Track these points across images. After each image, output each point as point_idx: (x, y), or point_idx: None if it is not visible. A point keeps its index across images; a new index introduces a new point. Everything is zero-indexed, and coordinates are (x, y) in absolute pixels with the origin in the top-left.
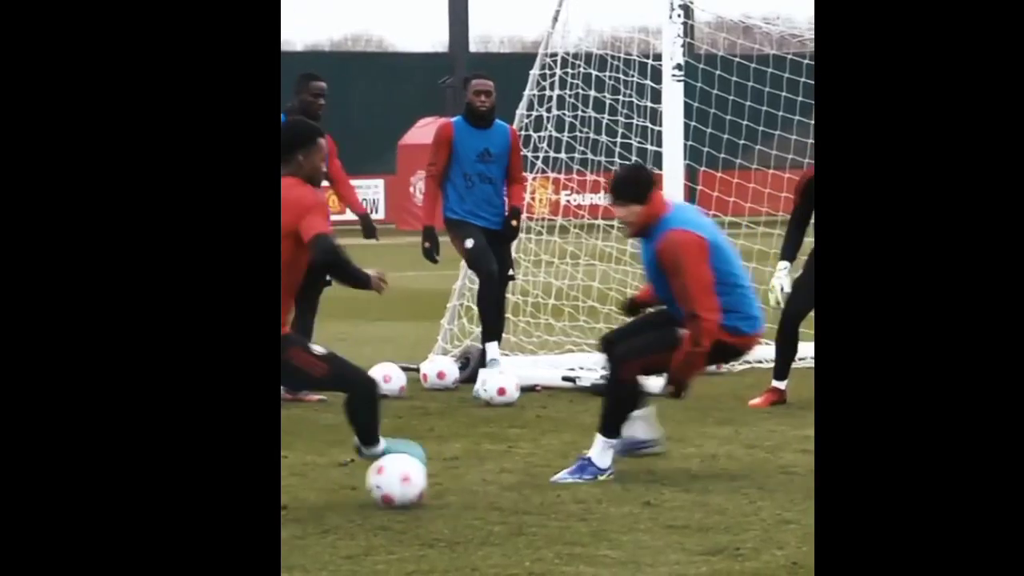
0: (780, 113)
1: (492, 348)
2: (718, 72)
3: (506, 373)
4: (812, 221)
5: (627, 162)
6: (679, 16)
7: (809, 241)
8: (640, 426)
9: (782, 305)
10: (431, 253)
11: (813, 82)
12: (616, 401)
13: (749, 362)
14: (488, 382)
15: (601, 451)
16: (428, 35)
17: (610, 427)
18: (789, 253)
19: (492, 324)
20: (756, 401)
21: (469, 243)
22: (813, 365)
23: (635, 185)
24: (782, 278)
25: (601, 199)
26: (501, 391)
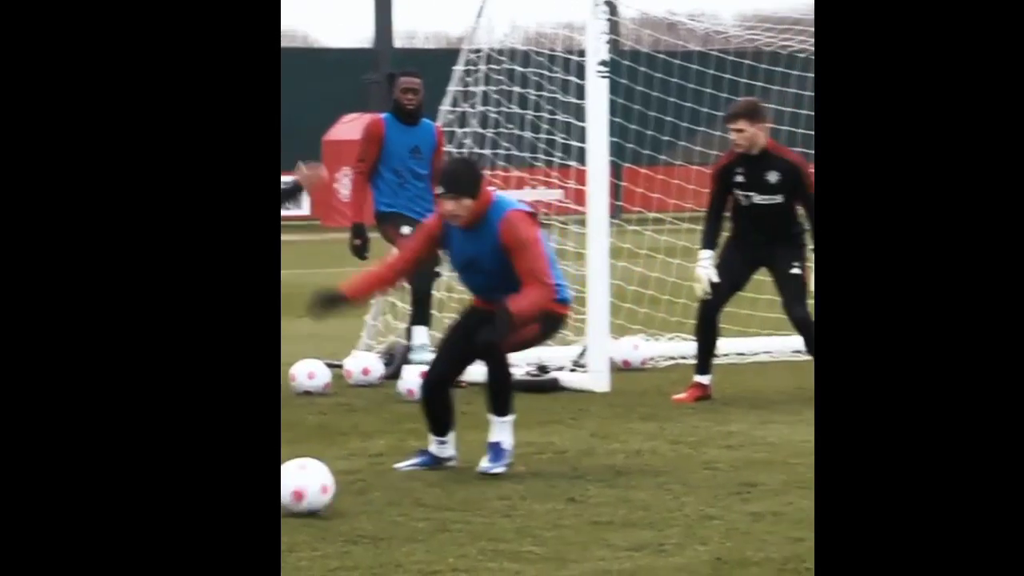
0: (704, 109)
1: (420, 332)
2: (642, 68)
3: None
4: (728, 210)
5: (559, 156)
6: (604, 12)
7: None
8: (447, 449)
9: (710, 295)
10: (361, 250)
11: (738, 79)
12: (502, 380)
13: (673, 358)
14: (411, 373)
15: (500, 430)
16: (353, 31)
17: (504, 407)
18: (710, 242)
19: (423, 311)
20: (680, 396)
21: (406, 229)
22: (736, 361)
23: (469, 179)
24: (707, 268)
25: (527, 195)
26: (424, 375)
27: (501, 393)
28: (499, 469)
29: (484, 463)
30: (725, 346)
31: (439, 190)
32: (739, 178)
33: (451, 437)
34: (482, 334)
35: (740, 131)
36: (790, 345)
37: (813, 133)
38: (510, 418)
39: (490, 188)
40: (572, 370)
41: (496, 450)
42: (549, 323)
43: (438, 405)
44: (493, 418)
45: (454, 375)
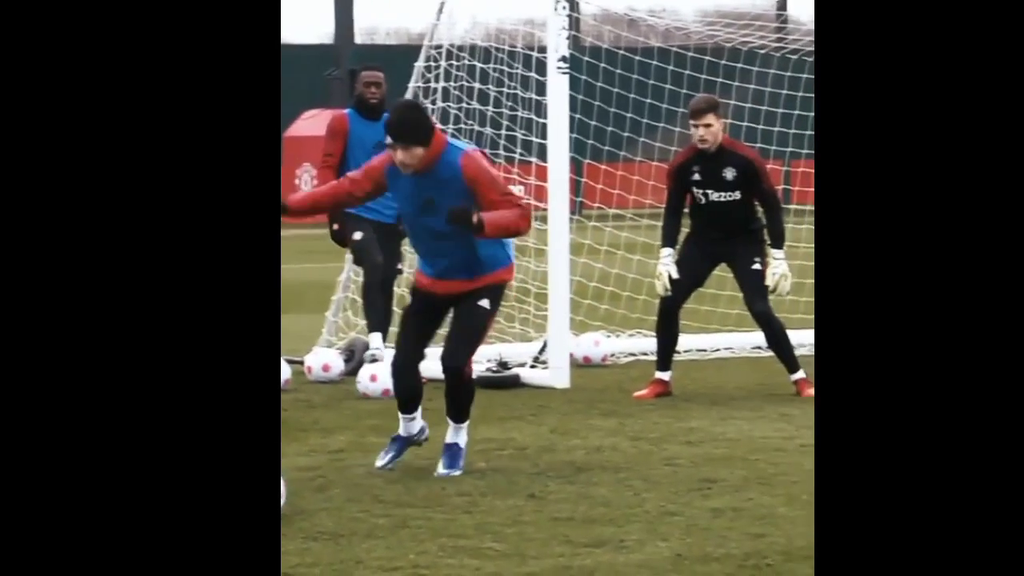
0: (664, 106)
1: (375, 339)
2: (603, 65)
3: (382, 363)
4: (687, 207)
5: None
6: (564, 8)
7: (686, 229)
8: (416, 423)
9: (670, 292)
10: (341, 234)
11: (698, 75)
12: (464, 397)
13: (634, 354)
14: (362, 372)
15: (456, 433)
16: (313, 27)
17: (463, 416)
18: (670, 240)
19: (375, 315)
20: (641, 393)
21: (357, 235)
22: (696, 357)
23: (419, 127)
24: (668, 264)
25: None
26: (373, 378)
27: (462, 405)
28: (457, 472)
29: (441, 468)
30: (686, 342)
31: (388, 140)
32: (696, 176)
33: (419, 412)
34: (446, 356)
35: (708, 126)
36: (750, 341)
37: (773, 129)
38: (467, 423)
39: (441, 131)
40: (532, 366)
41: (452, 452)
42: (496, 295)
43: (408, 386)
44: (451, 423)
45: (420, 355)
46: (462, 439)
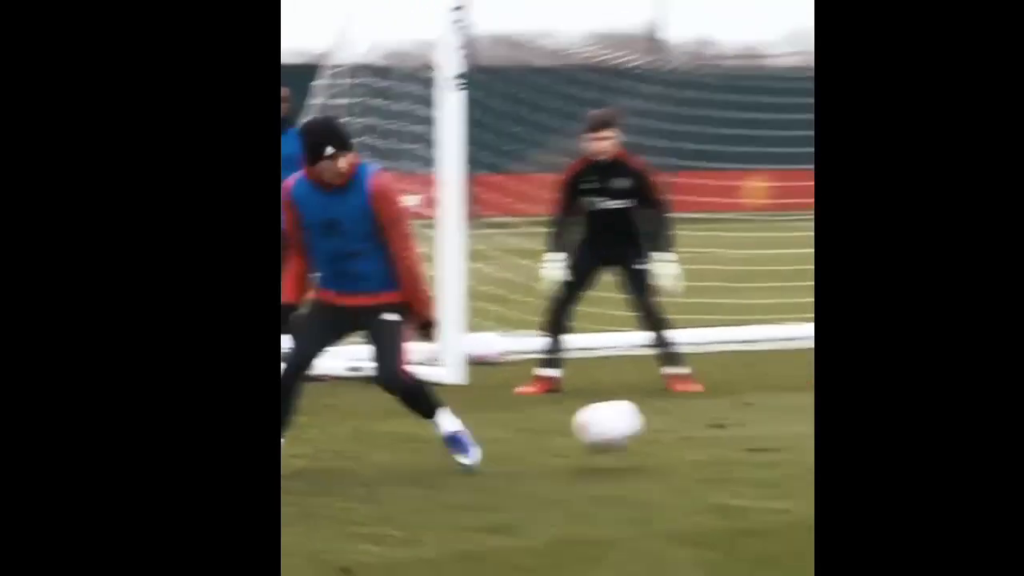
0: (551, 121)
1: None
2: (494, 83)
3: None
4: (578, 214)
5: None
6: (459, 30)
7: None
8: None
9: (560, 295)
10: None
11: (582, 93)
12: (419, 397)
13: (526, 353)
14: None
15: (444, 423)
16: None
17: (430, 410)
18: (559, 245)
19: None
20: (528, 389)
21: None
22: (583, 355)
23: (345, 135)
24: (558, 268)
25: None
26: None
27: (422, 403)
28: (476, 457)
29: (459, 459)
30: (573, 341)
31: (329, 150)
32: (590, 185)
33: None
34: (382, 379)
35: (608, 139)
36: (633, 340)
37: (649, 143)
38: (443, 409)
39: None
40: (431, 365)
41: (455, 441)
42: (401, 311)
43: (294, 394)
44: (430, 422)
45: (309, 364)
46: (452, 425)
